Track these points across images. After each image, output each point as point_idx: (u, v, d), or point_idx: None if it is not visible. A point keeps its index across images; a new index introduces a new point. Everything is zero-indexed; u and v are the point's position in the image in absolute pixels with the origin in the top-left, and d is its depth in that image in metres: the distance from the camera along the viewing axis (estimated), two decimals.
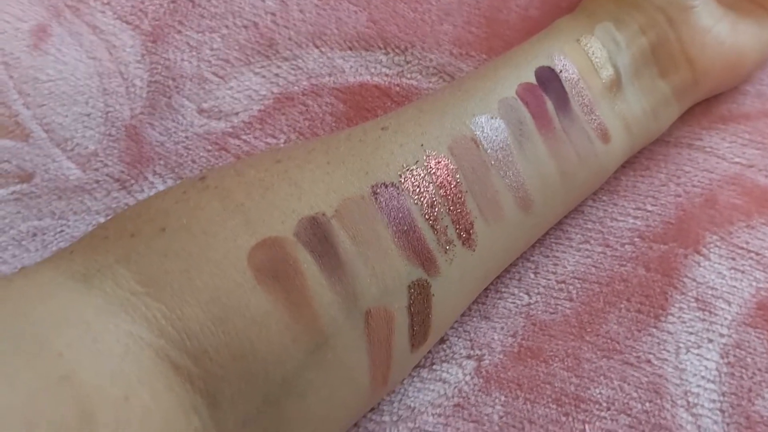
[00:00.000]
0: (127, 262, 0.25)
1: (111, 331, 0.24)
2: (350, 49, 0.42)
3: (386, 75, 0.42)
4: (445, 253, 0.30)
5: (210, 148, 0.38)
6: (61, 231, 0.36)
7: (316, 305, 0.26)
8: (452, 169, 0.31)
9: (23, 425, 0.20)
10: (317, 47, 0.41)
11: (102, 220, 0.36)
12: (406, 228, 0.29)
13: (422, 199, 0.30)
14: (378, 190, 0.29)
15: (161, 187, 0.37)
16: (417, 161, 0.30)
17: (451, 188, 0.30)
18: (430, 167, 0.30)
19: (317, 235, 0.27)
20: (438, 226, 0.30)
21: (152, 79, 0.39)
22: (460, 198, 0.30)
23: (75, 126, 0.38)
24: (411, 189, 0.29)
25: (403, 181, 0.29)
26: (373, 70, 0.42)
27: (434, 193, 0.30)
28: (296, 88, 0.40)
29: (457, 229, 0.30)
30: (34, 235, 0.35)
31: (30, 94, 0.38)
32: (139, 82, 0.39)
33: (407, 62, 0.42)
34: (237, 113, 0.39)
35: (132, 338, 0.24)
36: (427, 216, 0.29)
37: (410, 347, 0.30)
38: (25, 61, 0.38)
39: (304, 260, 0.27)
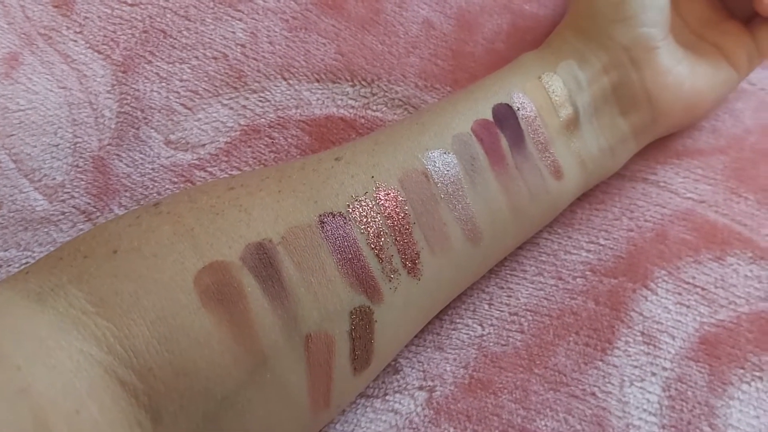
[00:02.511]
0: (79, 282, 0.27)
1: (63, 347, 0.25)
2: (317, 81, 0.43)
3: (352, 107, 0.43)
4: (390, 281, 0.31)
5: (176, 180, 0.39)
6: (26, 262, 0.37)
7: (258, 327, 0.28)
8: (401, 200, 0.32)
9: None
10: (285, 79, 0.43)
11: None
12: (350, 256, 0.30)
13: (369, 228, 0.31)
14: (325, 219, 0.30)
15: None
16: (366, 192, 0.31)
17: (398, 219, 0.32)
18: (379, 198, 0.31)
19: (263, 260, 0.29)
20: (383, 255, 0.31)
21: (121, 110, 0.40)
22: (407, 229, 0.32)
23: (43, 156, 0.39)
24: (358, 219, 0.31)
25: (351, 210, 0.31)
26: (339, 102, 0.43)
27: (381, 224, 0.31)
28: (263, 120, 0.41)
29: (402, 258, 0.32)
30: None
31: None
32: (108, 112, 0.40)
33: (373, 94, 0.43)
34: (204, 145, 0.40)
35: (83, 355, 0.25)
36: (372, 245, 0.31)
37: (353, 371, 0.31)
38: None
39: (248, 284, 0.28)
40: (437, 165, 0.33)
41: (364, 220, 0.31)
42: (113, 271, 0.27)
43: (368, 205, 0.31)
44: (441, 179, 0.33)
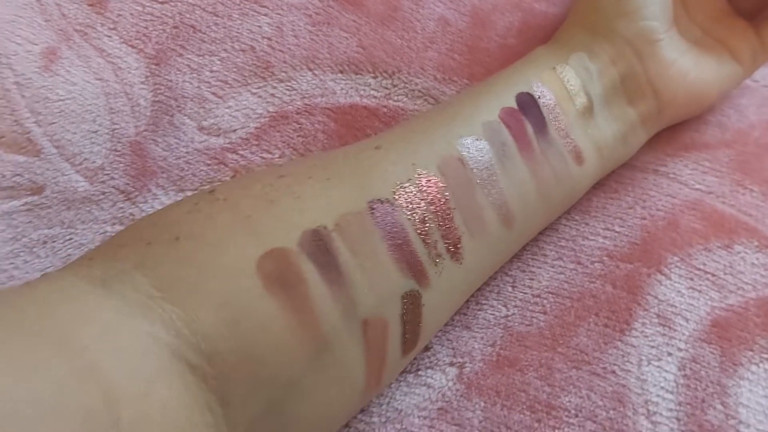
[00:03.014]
0: (143, 269, 0.27)
1: (130, 330, 0.25)
2: (341, 72, 0.44)
3: (374, 97, 0.44)
4: (435, 265, 0.32)
5: (209, 162, 0.40)
6: (70, 239, 0.38)
7: (318, 312, 0.28)
8: (441, 186, 0.33)
9: (52, 412, 0.21)
10: (310, 70, 0.44)
11: (108, 228, 0.38)
12: (400, 242, 0.31)
13: (414, 214, 0.32)
14: (374, 206, 0.31)
15: (164, 199, 0.39)
16: (409, 179, 0.32)
17: (440, 205, 0.32)
18: (422, 185, 0.32)
19: (319, 246, 0.29)
20: (429, 240, 0.32)
21: (155, 99, 0.41)
22: (449, 214, 0.33)
23: (83, 142, 0.40)
24: (404, 205, 0.31)
25: (396, 197, 0.31)
26: (362, 92, 0.44)
27: (425, 209, 0.32)
28: (290, 107, 0.43)
29: (446, 243, 0.32)
30: (45, 243, 0.37)
31: (41, 113, 0.40)
32: (143, 101, 0.41)
33: (394, 86, 0.45)
34: (235, 130, 0.41)
35: (151, 338, 0.25)
36: (419, 231, 0.32)
37: (402, 352, 0.32)
38: (36, 82, 0.40)
39: (307, 270, 0.28)
40: (471, 151, 0.34)
41: (410, 206, 0.32)
42: (177, 258, 0.27)
43: (412, 192, 0.32)
44: (476, 165, 0.34)
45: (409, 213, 0.31)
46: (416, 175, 0.32)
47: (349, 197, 0.31)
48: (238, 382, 0.27)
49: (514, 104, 0.37)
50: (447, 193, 0.33)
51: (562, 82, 0.39)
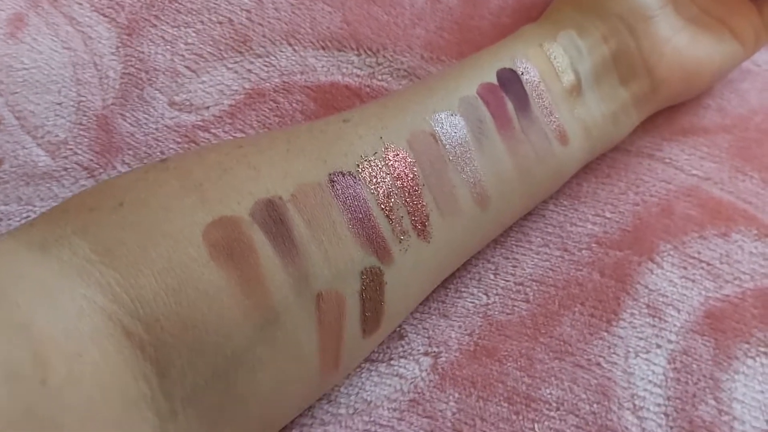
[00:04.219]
0: (84, 233, 0.26)
1: (65, 292, 0.24)
2: (323, 48, 0.43)
3: (357, 75, 0.42)
4: (400, 242, 0.31)
5: (179, 140, 0.38)
6: (27, 216, 0.36)
7: (268, 283, 0.27)
8: (410, 162, 0.32)
9: None
10: (290, 45, 0.42)
11: None
12: (360, 216, 0.30)
13: (378, 188, 0.30)
14: (335, 178, 0.30)
15: None
16: (375, 152, 0.31)
17: (407, 180, 0.31)
18: (388, 159, 0.31)
19: (272, 216, 0.28)
20: (393, 216, 0.31)
21: (125, 71, 0.39)
22: (417, 190, 0.31)
23: (46, 114, 0.38)
24: (368, 179, 0.30)
25: (360, 170, 0.30)
26: (344, 70, 0.42)
27: (391, 184, 0.31)
28: (268, 84, 0.41)
29: (412, 220, 0.31)
30: (0, 219, 0.36)
31: (3, 82, 0.38)
32: (113, 73, 0.39)
33: (378, 64, 0.43)
34: (208, 107, 0.40)
35: (86, 300, 0.24)
36: (382, 206, 0.30)
37: (362, 333, 0.31)
38: (0, 49, 0.39)
39: (258, 240, 0.27)
40: (445, 126, 0.33)
41: (374, 180, 0.30)
42: (119, 223, 0.27)
43: (378, 166, 0.31)
44: (449, 141, 0.33)
45: (372, 187, 0.30)
46: (383, 149, 0.31)
47: (308, 168, 0.30)
48: (177, 351, 0.26)
49: (494, 80, 0.36)
50: (416, 169, 0.32)
51: (549, 59, 0.38)
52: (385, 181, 0.31)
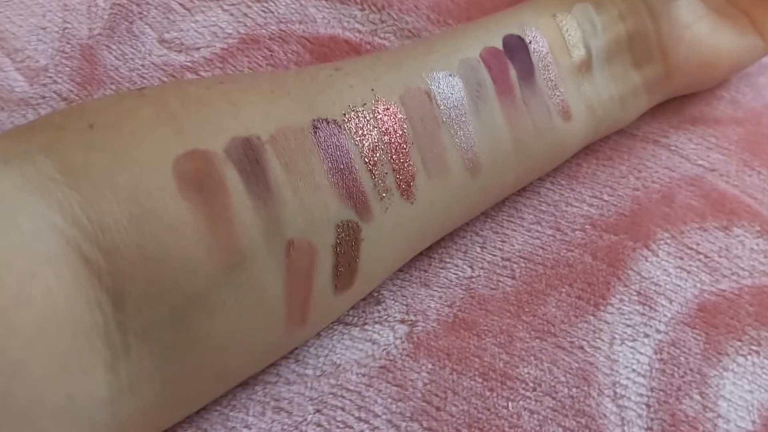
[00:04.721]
0: (49, 151, 0.25)
1: (24, 207, 0.23)
2: None
3: (359, 31, 0.41)
4: (381, 200, 0.29)
5: (165, 79, 0.37)
6: None
7: (237, 224, 0.26)
8: (400, 118, 0.30)
9: None
10: None
11: None
12: (342, 167, 0.28)
13: (364, 141, 0.29)
14: (318, 125, 0.28)
15: None
16: (365, 104, 0.30)
17: (396, 136, 0.30)
18: (377, 112, 0.30)
19: (248, 156, 0.26)
20: (377, 172, 0.29)
21: (116, 2, 0.37)
22: (404, 148, 0.30)
23: (29, 38, 0.36)
24: (353, 129, 0.29)
25: (346, 120, 0.29)
26: (346, 24, 0.41)
27: (377, 139, 0.29)
28: (264, 31, 0.39)
29: (396, 178, 0.30)
30: None
31: None
32: (102, 2, 0.37)
33: (382, 21, 0.41)
34: (199, 48, 0.38)
35: (44, 220, 0.23)
36: (366, 159, 0.29)
37: (333, 289, 0.29)
38: None
39: (231, 178, 0.26)
40: (441, 86, 0.32)
41: (360, 132, 0.29)
42: (88, 144, 0.25)
43: (365, 117, 0.29)
44: (444, 102, 0.31)
45: (357, 139, 0.29)
46: (373, 101, 0.30)
47: (292, 112, 0.28)
48: (135, 283, 0.24)
49: (500, 45, 0.34)
50: (406, 126, 0.30)
51: (561, 31, 0.36)
52: (371, 134, 0.29)
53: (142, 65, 0.37)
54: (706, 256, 0.37)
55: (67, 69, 0.36)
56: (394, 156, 0.30)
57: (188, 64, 0.37)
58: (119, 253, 0.24)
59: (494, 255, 0.36)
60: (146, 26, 0.37)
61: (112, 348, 0.24)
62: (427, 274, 0.35)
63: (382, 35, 0.41)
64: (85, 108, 0.27)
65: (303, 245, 0.27)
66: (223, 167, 0.26)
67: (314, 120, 0.28)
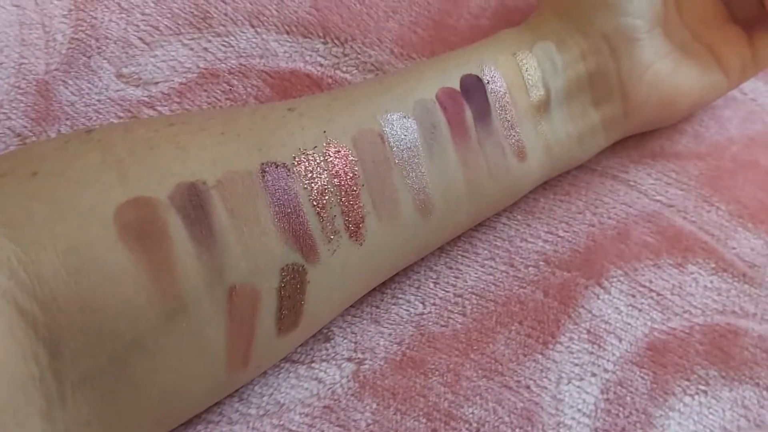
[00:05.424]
0: None
1: None
2: (287, 33, 0.41)
3: (321, 65, 0.41)
4: (329, 242, 0.29)
5: (122, 114, 0.37)
6: None
7: (179, 271, 0.26)
8: (351, 160, 0.30)
9: None
10: (253, 27, 0.41)
11: None
12: (289, 210, 0.28)
13: (313, 184, 0.29)
14: (267, 168, 0.28)
15: None
16: (315, 146, 0.30)
17: (346, 179, 0.30)
18: (328, 154, 0.30)
19: (193, 202, 0.27)
20: (325, 214, 0.29)
21: (75, 36, 0.38)
22: (355, 190, 0.30)
23: None
24: (303, 173, 0.29)
25: (296, 163, 0.29)
26: (308, 58, 0.41)
27: (327, 181, 0.29)
28: (224, 65, 0.39)
29: (345, 220, 0.30)
30: None
31: None
32: (61, 37, 0.38)
33: (345, 55, 0.42)
34: (157, 83, 0.38)
35: None
36: (315, 202, 0.29)
37: (277, 331, 0.29)
38: None
39: (174, 225, 0.26)
40: (395, 128, 0.32)
41: (310, 175, 0.29)
42: (30, 193, 0.25)
43: (315, 160, 0.30)
44: (397, 144, 0.32)
45: (306, 182, 0.29)
46: (324, 144, 0.30)
47: (241, 155, 0.28)
48: (73, 333, 0.25)
49: (457, 85, 0.34)
50: (357, 168, 0.30)
51: (520, 70, 0.36)
52: (321, 177, 0.29)
53: (99, 100, 0.37)
54: (658, 294, 0.38)
55: (22, 105, 0.36)
56: (343, 198, 0.30)
57: (145, 99, 0.38)
58: (57, 305, 0.24)
59: (447, 291, 0.37)
60: (104, 61, 0.38)
61: (48, 397, 0.25)
62: (378, 310, 0.36)
63: (344, 69, 0.41)
64: (32, 153, 0.28)
65: (245, 290, 0.28)
66: (167, 214, 0.26)
67: (263, 163, 0.29)
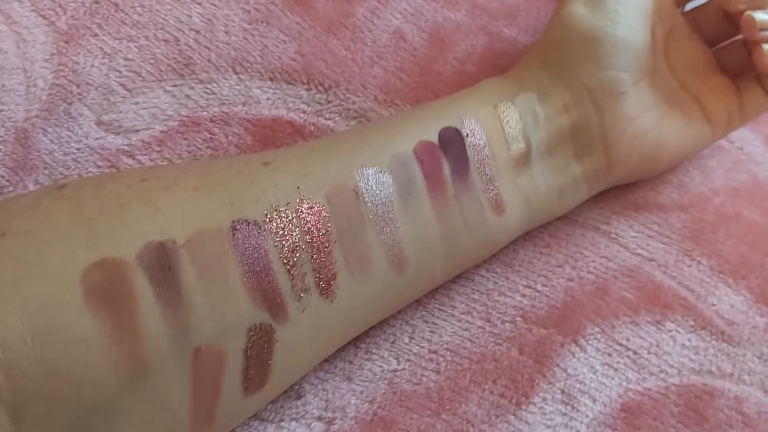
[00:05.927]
0: None
1: None
2: (271, 79, 0.41)
3: (303, 112, 0.41)
4: (299, 300, 0.29)
5: (101, 164, 0.37)
6: None
7: (143, 333, 0.26)
8: (324, 216, 0.30)
9: None
10: (236, 73, 0.41)
11: None
12: (258, 269, 0.28)
13: (284, 242, 0.29)
14: (238, 226, 0.28)
15: None
16: (288, 203, 0.30)
17: (318, 236, 0.30)
18: (301, 211, 0.30)
19: (161, 262, 0.27)
20: (295, 272, 0.29)
21: (56, 82, 0.38)
22: (327, 247, 0.30)
23: None
24: (274, 230, 0.29)
25: (267, 221, 0.29)
26: (291, 105, 0.41)
27: (299, 238, 0.29)
28: (205, 113, 0.39)
29: (316, 277, 0.30)
30: None
31: None
32: (42, 82, 0.38)
33: (328, 101, 0.42)
34: (137, 131, 0.38)
35: None
36: (285, 260, 0.29)
37: (243, 391, 0.29)
38: None
39: (140, 286, 0.26)
40: (370, 183, 0.32)
41: (281, 232, 0.29)
42: None
43: (287, 217, 0.29)
44: (372, 199, 0.31)
45: (278, 240, 0.29)
46: (297, 200, 0.30)
47: (213, 212, 0.28)
48: (36, 398, 0.25)
49: (435, 138, 0.34)
50: (330, 225, 0.30)
51: (501, 123, 0.36)
52: (292, 234, 0.29)
53: (78, 149, 0.37)
54: (635, 353, 0.37)
55: (0, 154, 0.36)
56: (315, 255, 0.30)
57: (125, 147, 0.38)
58: (21, 370, 0.24)
59: (421, 347, 0.37)
60: (84, 107, 0.38)
61: None
62: (351, 365, 0.36)
63: (327, 116, 0.41)
64: (2, 212, 0.27)
65: (211, 351, 0.28)
66: (134, 275, 0.26)
67: (234, 221, 0.28)
